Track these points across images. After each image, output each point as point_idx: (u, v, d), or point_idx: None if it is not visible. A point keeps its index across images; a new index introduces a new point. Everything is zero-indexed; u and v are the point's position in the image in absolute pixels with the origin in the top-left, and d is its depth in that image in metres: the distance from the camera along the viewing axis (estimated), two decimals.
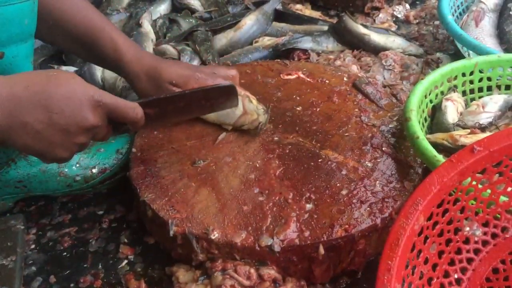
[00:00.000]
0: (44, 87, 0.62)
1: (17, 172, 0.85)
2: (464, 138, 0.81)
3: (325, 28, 1.29)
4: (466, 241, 0.68)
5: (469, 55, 1.11)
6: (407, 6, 1.47)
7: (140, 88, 0.85)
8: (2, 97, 0.60)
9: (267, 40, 1.25)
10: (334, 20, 1.36)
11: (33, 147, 0.63)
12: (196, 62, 1.16)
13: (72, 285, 0.77)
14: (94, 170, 0.88)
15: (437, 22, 1.36)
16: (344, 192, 0.77)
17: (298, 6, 1.47)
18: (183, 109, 0.79)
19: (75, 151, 0.67)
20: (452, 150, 0.77)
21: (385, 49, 1.21)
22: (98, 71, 1.14)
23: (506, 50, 1.14)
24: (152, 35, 1.26)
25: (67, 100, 0.62)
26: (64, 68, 1.17)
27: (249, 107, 0.87)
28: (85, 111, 0.63)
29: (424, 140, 0.76)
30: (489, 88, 0.97)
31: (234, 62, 1.17)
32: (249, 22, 1.28)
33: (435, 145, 0.80)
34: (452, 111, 0.91)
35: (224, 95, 0.82)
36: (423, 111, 0.90)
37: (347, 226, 0.71)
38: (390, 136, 0.88)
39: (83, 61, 1.18)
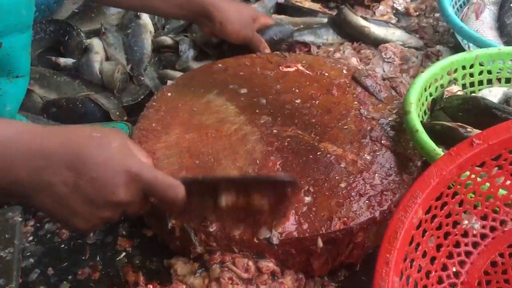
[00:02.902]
0: (81, 148, 0.55)
1: None
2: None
3: (325, 20, 1.28)
4: (465, 234, 0.68)
5: (469, 48, 1.11)
6: None
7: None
8: (31, 152, 0.54)
9: None
10: (334, 12, 1.34)
11: (52, 211, 0.56)
12: (193, 53, 1.16)
13: (70, 277, 0.77)
14: None
15: (437, 15, 1.35)
16: (343, 185, 0.76)
17: None
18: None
19: (99, 225, 0.59)
20: (456, 140, 0.75)
21: (385, 41, 1.20)
22: (96, 63, 1.13)
23: (507, 43, 1.14)
24: (151, 27, 1.25)
25: (101, 167, 0.55)
26: (62, 60, 1.16)
27: None
28: (117, 184, 0.55)
29: (423, 133, 0.76)
30: (489, 81, 0.96)
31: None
32: None
33: (442, 131, 0.79)
34: None
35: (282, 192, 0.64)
36: (423, 104, 0.90)
37: (345, 219, 0.71)
38: (389, 129, 0.88)
39: (81, 52, 1.17)
